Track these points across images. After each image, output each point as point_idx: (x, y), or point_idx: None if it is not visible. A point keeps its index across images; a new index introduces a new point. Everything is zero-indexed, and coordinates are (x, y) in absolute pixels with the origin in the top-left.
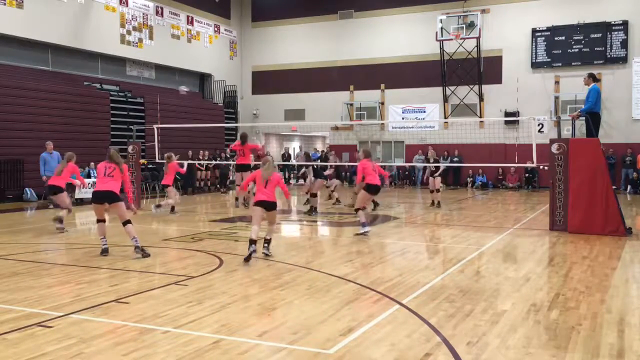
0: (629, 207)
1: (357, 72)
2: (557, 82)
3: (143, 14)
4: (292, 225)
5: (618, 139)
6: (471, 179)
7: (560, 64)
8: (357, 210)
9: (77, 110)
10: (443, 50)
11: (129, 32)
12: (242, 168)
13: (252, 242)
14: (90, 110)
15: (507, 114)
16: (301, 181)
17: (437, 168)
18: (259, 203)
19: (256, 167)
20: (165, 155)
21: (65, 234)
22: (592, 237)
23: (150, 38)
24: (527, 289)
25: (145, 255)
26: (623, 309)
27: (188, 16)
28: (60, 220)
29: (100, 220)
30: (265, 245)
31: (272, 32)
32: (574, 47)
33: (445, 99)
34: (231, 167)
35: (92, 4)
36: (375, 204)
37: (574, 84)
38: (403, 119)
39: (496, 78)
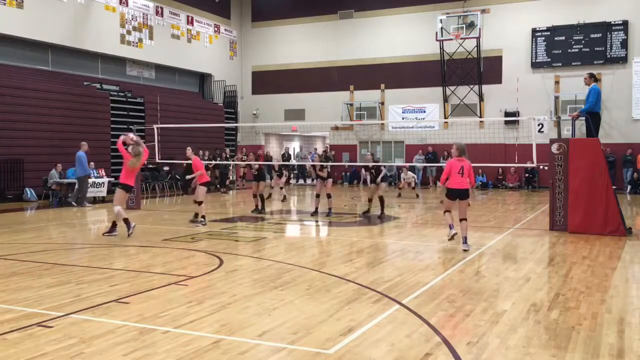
0: (629, 207)
1: (357, 72)
2: (557, 82)
3: (143, 14)
4: (293, 225)
5: (618, 138)
6: None
7: (560, 64)
8: (444, 212)
9: (77, 110)
10: (443, 50)
11: (129, 32)
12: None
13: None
14: (90, 110)
15: (507, 114)
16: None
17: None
18: None
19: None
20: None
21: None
22: (592, 237)
23: (150, 38)
24: (527, 289)
25: None
26: (623, 309)
27: (188, 16)
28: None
29: None
30: None
31: (272, 32)
32: (574, 47)
33: (445, 99)
34: (231, 167)
35: (92, 4)
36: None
37: (574, 84)
38: (403, 119)
39: (496, 78)
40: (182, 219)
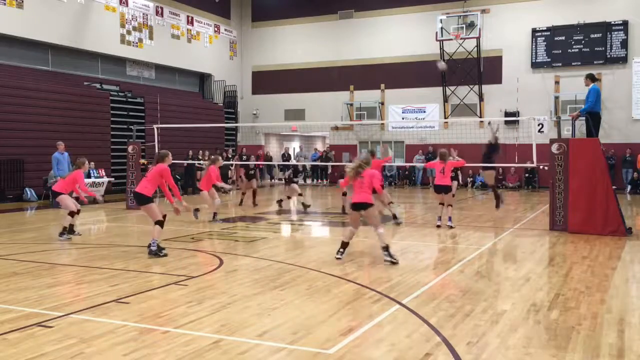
0: (629, 207)
1: (357, 72)
2: (557, 82)
3: (143, 14)
4: (293, 226)
5: (618, 139)
6: (471, 179)
7: (560, 64)
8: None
9: (77, 110)
10: (443, 50)
11: (129, 32)
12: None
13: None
14: (90, 110)
15: (507, 114)
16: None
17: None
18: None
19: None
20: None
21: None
22: (592, 237)
23: (150, 38)
24: (527, 289)
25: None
26: (623, 309)
27: (188, 16)
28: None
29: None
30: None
31: (272, 32)
32: (574, 47)
33: (445, 99)
34: (231, 167)
35: (92, 4)
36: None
37: (574, 84)
38: (403, 119)
39: (496, 78)
40: (181, 219)
